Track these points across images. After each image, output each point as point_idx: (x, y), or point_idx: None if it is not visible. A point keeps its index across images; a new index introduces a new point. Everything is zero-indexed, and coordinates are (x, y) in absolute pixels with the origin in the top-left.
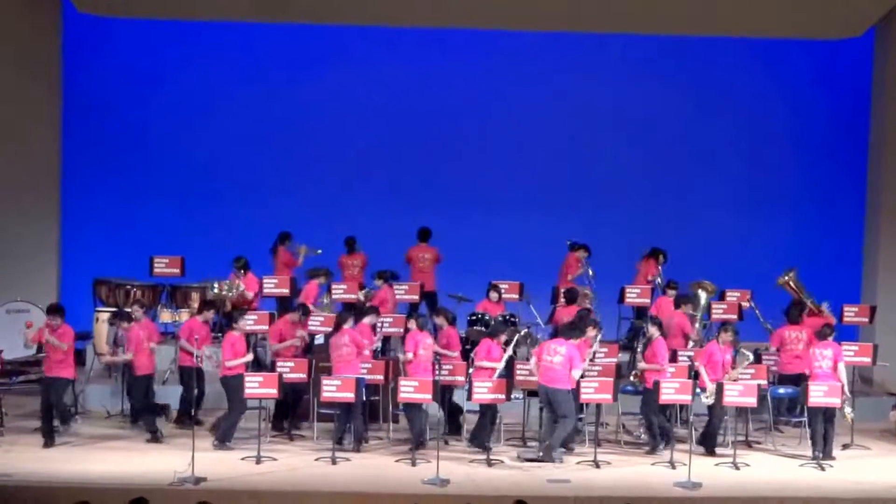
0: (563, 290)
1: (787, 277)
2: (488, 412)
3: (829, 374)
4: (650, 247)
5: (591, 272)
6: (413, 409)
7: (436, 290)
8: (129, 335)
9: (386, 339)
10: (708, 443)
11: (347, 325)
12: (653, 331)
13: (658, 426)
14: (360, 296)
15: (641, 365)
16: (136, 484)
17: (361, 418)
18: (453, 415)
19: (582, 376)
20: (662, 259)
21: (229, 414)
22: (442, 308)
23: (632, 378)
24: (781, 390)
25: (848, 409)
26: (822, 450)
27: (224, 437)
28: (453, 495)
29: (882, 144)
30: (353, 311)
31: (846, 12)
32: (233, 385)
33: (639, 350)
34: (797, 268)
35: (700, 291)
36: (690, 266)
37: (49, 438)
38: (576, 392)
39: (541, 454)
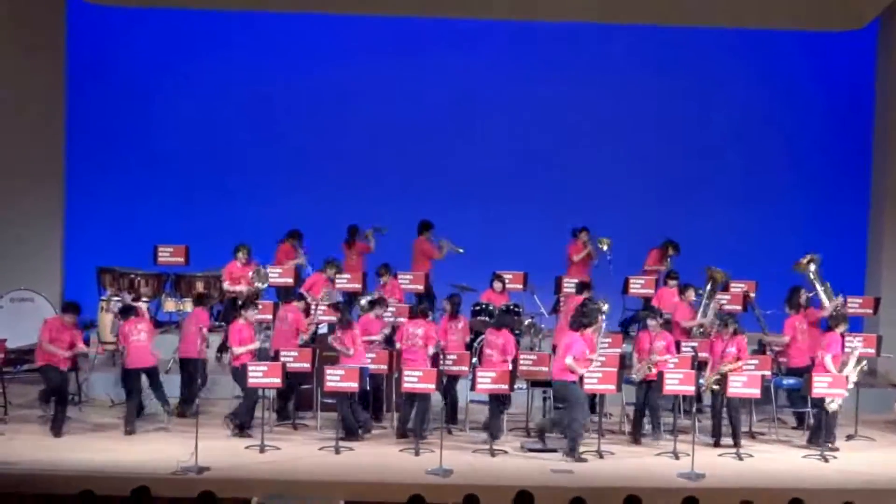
0: (565, 281)
1: (806, 261)
2: (494, 401)
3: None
4: (664, 238)
5: (602, 248)
6: (416, 398)
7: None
8: (120, 330)
9: (393, 330)
10: (713, 433)
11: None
12: (655, 323)
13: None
14: (366, 301)
15: (654, 357)
16: (139, 473)
17: (362, 407)
18: (452, 404)
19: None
20: (672, 251)
21: (242, 401)
22: (454, 296)
23: (648, 368)
24: (785, 381)
25: (829, 399)
26: (826, 439)
27: (242, 424)
28: (456, 485)
29: (886, 138)
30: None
31: (848, 4)
32: (241, 373)
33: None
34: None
35: (709, 277)
36: (692, 259)
37: (59, 421)
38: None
39: (540, 444)
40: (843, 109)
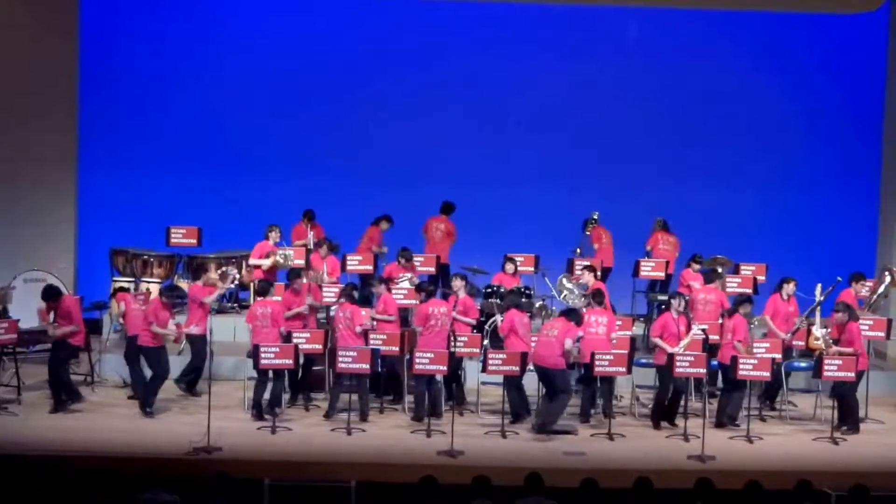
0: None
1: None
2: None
3: None
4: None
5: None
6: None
7: (448, 263)
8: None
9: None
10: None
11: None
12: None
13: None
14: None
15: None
16: (152, 453)
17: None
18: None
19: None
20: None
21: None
22: (458, 274)
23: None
24: (797, 364)
25: None
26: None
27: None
28: (467, 466)
29: None
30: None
31: None
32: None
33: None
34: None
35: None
36: (704, 240)
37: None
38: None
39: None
40: (856, 92)
